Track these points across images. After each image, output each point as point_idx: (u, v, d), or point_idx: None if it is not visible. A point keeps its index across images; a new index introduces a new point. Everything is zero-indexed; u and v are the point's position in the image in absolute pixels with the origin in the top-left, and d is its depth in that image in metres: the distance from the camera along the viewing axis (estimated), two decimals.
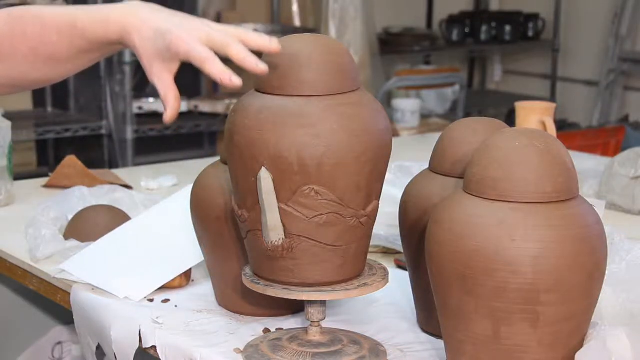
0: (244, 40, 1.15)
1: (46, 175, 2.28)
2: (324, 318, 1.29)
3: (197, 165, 1.69)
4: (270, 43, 1.15)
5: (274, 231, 1.21)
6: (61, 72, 1.26)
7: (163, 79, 1.19)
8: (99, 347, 1.49)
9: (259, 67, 1.14)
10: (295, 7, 4.67)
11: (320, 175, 1.18)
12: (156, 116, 4.03)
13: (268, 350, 1.28)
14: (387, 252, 1.71)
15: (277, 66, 1.21)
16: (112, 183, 2.10)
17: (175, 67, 1.18)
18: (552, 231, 1.11)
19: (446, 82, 4.91)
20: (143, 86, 4.29)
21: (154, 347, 1.37)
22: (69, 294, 1.55)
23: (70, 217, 1.79)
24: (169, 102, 1.19)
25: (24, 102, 4.05)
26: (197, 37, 1.14)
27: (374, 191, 1.24)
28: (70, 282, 1.56)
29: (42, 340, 2.03)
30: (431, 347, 1.33)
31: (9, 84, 1.26)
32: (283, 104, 1.20)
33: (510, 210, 1.12)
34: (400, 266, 1.62)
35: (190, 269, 1.55)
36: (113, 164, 3.84)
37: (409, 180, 1.40)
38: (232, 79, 1.14)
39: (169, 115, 1.19)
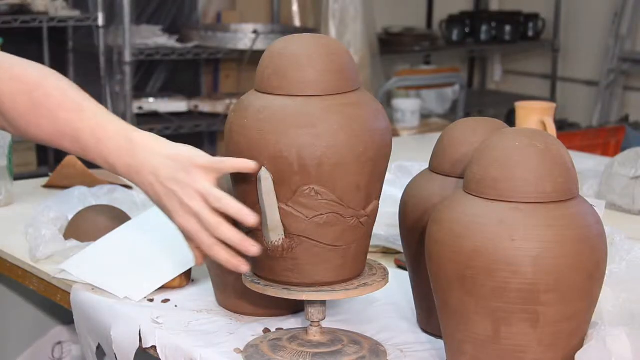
0: (224, 210, 1.18)
1: (46, 175, 2.28)
2: (324, 318, 1.29)
3: None
4: (245, 216, 1.18)
5: (274, 231, 1.21)
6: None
7: (186, 222, 1.22)
8: (99, 347, 1.49)
9: (249, 249, 1.19)
10: (295, 7, 4.67)
11: (320, 175, 1.18)
12: (156, 116, 4.04)
13: (268, 350, 1.28)
14: (387, 252, 1.71)
15: (277, 66, 1.21)
16: (112, 183, 2.10)
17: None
18: (552, 231, 1.11)
19: (446, 82, 4.91)
20: (143, 86, 4.29)
21: (154, 347, 1.37)
22: (69, 294, 1.55)
23: (70, 217, 1.79)
24: (193, 252, 1.24)
25: None
26: (194, 222, 1.19)
27: (374, 191, 1.24)
28: (70, 282, 1.56)
29: (42, 340, 2.03)
30: (431, 347, 1.33)
31: (11, 132, 1.32)
32: (283, 104, 1.20)
33: (510, 210, 1.12)
34: (400, 266, 1.62)
35: (190, 269, 1.55)
36: None
37: (409, 180, 1.40)
38: (240, 268, 1.20)
39: (197, 262, 1.25)
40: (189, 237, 1.22)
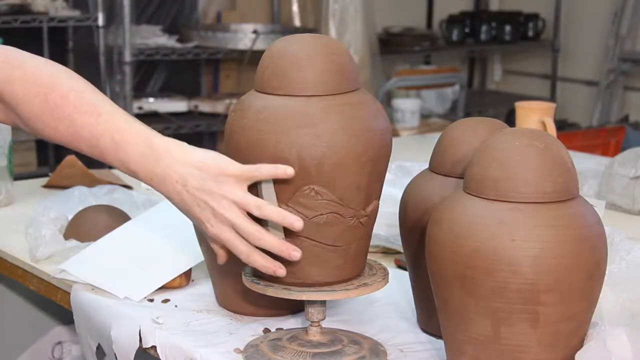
0: (267, 217, 1.17)
1: (46, 175, 2.28)
2: (324, 318, 1.29)
3: None
4: (291, 222, 1.17)
5: (274, 231, 1.21)
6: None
7: (209, 240, 1.23)
8: (99, 347, 1.49)
9: (291, 255, 1.18)
10: (295, 7, 4.67)
11: (320, 175, 1.18)
12: (156, 116, 4.04)
13: (268, 350, 1.28)
14: (387, 252, 1.71)
15: (277, 66, 1.21)
16: (112, 183, 2.10)
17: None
18: (552, 231, 1.11)
19: (446, 82, 4.91)
20: (143, 86, 4.29)
21: (154, 347, 1.37)
22: (69, 294, 1.55)
23: (70, 217, 1.79)
24: (217, 252, 1.24)
25: None
26: (230, 232, 1.17)
27: (374, 191, 1.24)
28: (70, 282, 1.56)
29: (42, 340, 2.03)
30: (431, 347, 1.33)
31: (14, 125, 1.30)
32: (283, 104, 1.20)
33: (510, 210, 1.12)
34: (400, 266, 1.62)
35: (190, 269, 1.55)
36: None
37: (409, 180, 1.40)
38: (276, 272, 1.19)
39: (219, 261, 1.25)
40: (215, 241, 1.21)
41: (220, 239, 1.19)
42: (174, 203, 1.21)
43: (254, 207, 1.16)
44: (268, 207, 1.16)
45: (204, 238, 1.44)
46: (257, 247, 1.18)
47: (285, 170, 1.16)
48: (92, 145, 1.22)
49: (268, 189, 1.19)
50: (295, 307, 1.42)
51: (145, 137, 1.20)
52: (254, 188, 1.20)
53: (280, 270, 1.18)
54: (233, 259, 1.41)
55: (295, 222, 1.16)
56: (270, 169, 1.17)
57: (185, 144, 1.21)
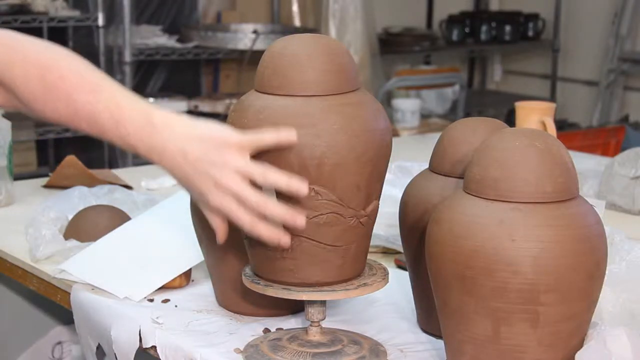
0: (276, 184, 1.15)
1: (46, 175, 2.28)
2: (324, 318, 1.29)
3: None
4: (297, 188, 1.15)
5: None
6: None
7: (208, 213, 1.20)
8: (99, 347, 1.49)
9: (297, 222, 1.15)
10: (295, 7, 4.67)
11: (320, 175, 1.18)
12: None
13: (268, 350, 1.28)
14: (387, 252, 1.71)
15: (277, 66, 1.21)
16: (112, 183, 2.10)
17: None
18: (552, 231, 1.11)
19: (446, 82, 4.91)
20: (143, 86, 4.29)
21: (154, 347, 1.37)
22: (69, 294, 1.55)
23: (70, 217, 1.79)
24: (216, 228, 1.21)
25: None
26: (232, 201, 1.15)
27: (374, 191, 1.24)
28: (70, 282, 1.56)
29: (42, 340, 2.03)
30: (431, 347, 1.33)
31: (14, 107, 1.29)
32: (283, 104, 1.20)
33: (510, 210, 1.12)
34: (400, 266, 1.62)
35: (190, 269, 1.55)
36: (113, 164, 3.84)
37: (409, 180, 1.40)
38: (281, 242, 1.17)
39: (219, 238, 1.21)
40: (217, 214, 1.18)
41: (222, 210, 1.16)
42: (174, 177, 1.18)
43: (258, 174, 1.14)
44: (272, 174, 1.14)
45: (204, 238, 1.44)
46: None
47: (288, 136, 1.15)
48: (92, 123, 1.20)
49: (268, 189, 1.19)
50: (295, 307, 1.42)
51: (145, 112, 1.18)
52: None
53: (284, 239, 1.16)
54: (231, 259, 1.41)
55: (301, 188, 1.14)
56: (273, 135, 1.15)
57: (185, 117, 1.19)
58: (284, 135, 1.15)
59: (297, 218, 1.15)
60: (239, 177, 1.14)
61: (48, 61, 1.23)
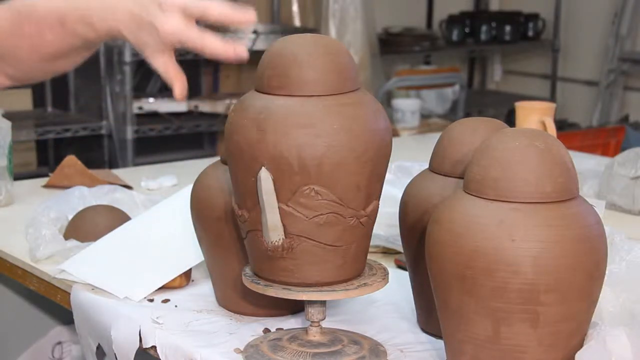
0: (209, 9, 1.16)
1: (46, 175, 2.28)
2: (324, 318, 1.29)
3: (197, 165, 1.69)
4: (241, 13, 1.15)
5: (274, 231, 1.21)
6: (62, 66, 1.28)
7: (160, 60, 1.19)
8: (99, 347, 1.49)
9: (241, 49, 1.15)
10: (295, 7, 4.67)
11: (320, 175, 1.18)
12: (156, 116, 4.04)
13: (268, 351, 1.28)
14: (387, 252, 1.71)
15: (277, 66, 1.21)
16: (112, 183, 2.10)
17: (172, 47, 1.18)
18: (552, 231, 1.11)
19: (446, 82, 4.91)
20: (143, 86, 4.29)
21: (154, 347, 1.37)
22: (69, 294, 1.55)
23: (70, 217, 1.79)
24: (173, 80, 1.20)
25: (24, 102, 4.05)
26: (179, 20, 1.14)
27: (374, 191, 1.24)
28: (70, 282, 1.56)
29: (42, 340, 2.03)
30: (431, 347, 1.33)
31: (24, 79, 1.29)
32: (283, 104, 1.19)
33: (510, 210, 1.12)
34: (400, 266, 1.62)
35: (190, 269, 1.55)
36: (113, 164, 3.84)
37: (409, 180, 1.40)
38: (236, 50, 1.15)
39: (177, 92, 1.20)
40: (169, 56, 1.18)
41: (171, 31, 1.15)
42: (127, 29, 1.18)
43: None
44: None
45: (204, 238, 1.44)
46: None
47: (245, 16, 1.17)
48: (53, 24, 1.21)
49: (268, 189, 1.19)
50: (295, 307, 1.43)
51: None
52: (255, 188, 1.21)
53: (240, 48, 1.15)
54: (231, 259, 1.41)
55: (245, 14, 1.15)
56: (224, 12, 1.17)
57: None
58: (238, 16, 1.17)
59: (239, 47, 1.14)
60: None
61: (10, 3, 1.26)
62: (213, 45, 1.15)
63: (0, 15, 1.24)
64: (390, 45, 5.01)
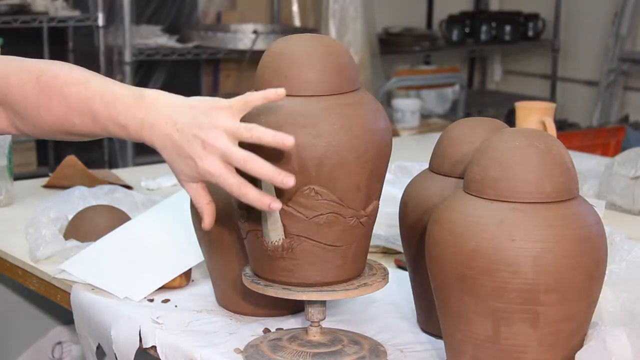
0: (259, 138, 1.13)
1: (46, 175, 2.28)
2: (324, 318, 1.29)
3: None
4: (283, 140, 1.13)
5: (274, 231, 1.21)
6: (73, 139, 1.28)
7: (193, 187, 1.19)
8: (99, 347, 1.49)
9: (284, 181, 1.12)
10: (295, 7, 4.67)
11: (320, 175, 1.18)
12: None
13: (268, 351, 1.28)
14: (387, 252, 1.71)
15: (277, 66, 1.21)
16: (112, 183, 2.10)
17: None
18: (552, 231, 1.11)
19: (446, 82, 4.91)
20: (143, 86, 4.29)
21: (154, 347, 1.37)
22: (69, 294, 1.55)
23: (70, 217, 1.79)
24: (202, 209, 1.19)
25: None
26: (219, 164, 1.13)
27: (374, 191, 1.24)
28: (70, 282, 1.56)
29: (42, 340, 2.03)
30: (431, 347, 1.33)
31: (35, 135, 1.31)
32: (283, 104, 1.19)
33: (510, 210, 1.12)
34: (400, 266, 1.62)
35: (190, 269, 1.55)
36: (113, 164, 3.84)
37: (409, 180, 1.40)
38: (271, 206, 1.14)
39: (206, 223, 1.19)
40: (203, 190, 1.17)
41: (210, 173, 1.14)
42: (165, 150, 1.17)
43: (245, 129, 1.13)
44: (260, 128, 1.13)
45: (204, 238, 1.44)
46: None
47: (277, 92, 1.14)
48: (83, 112, 1.21)
49: (268, 189, 1.19)
50: (295, 307, 1.43)
51: (135, 91, 1.19)
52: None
53: (275, 204, 1.14)
54: (231, 259, 1.41)
55: (286, 140, 1.12)
56: (261, 94, 1.15)
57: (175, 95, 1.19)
58: (272, 92, 1.15)
59: (285, 177, 1.12)
60: (226, 135, 1.13)
61: (41, 65, 1.25)
62: (250, 197, 1.14)
63: (27, 83, 1.24)
64: (390, 45, 5.01)
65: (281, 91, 1.14)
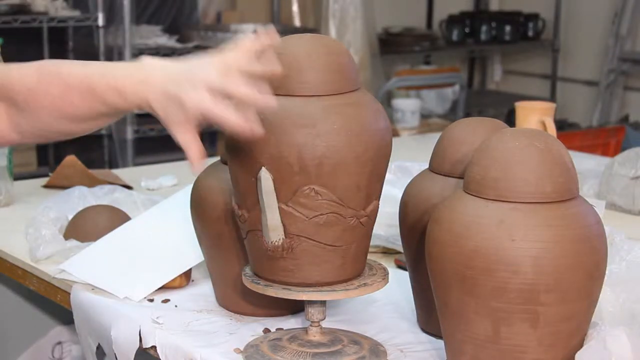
0: (250, 73, 1.12)
1: (46, 175, 2.28)
2: (324, 318, 1.29)
3: None
4: (268, 40, 1.13)
5: (274, 231, 1.21)
6: (82, 128, 1.27)
7: (184, 136, 1.17)
8: (99, 347, 1.49)
9: (271, 101, 1.12)
10: (295, 7, 4.67)
11: (320, 175, 1.18)
12: None
13: (268, 350, 1.28)
14: (387, 252, 1.71)
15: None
16: (112, 183, 2.10)
17: (196, 123, 1.17)
18: (552, 231, 1.11)
19: (446, 82, 4.91)
20: None
21: (154, 347, 1.37)
22: (69, 294, 1.55)
23: (70, 217, 1.79)
24: (192, 158, 1.17)
25: None
26: (205, 95, 1.12)
27: (374, 191, 1.24)
28: (70, 282, 1.56)
29: (42, 340, 2.03)
30: (431, 347, 1.33)
31: (34, 135, 1.30)
32: (283, 104, 1.19)
33: (510, 210, 1.12)
34: (400, 266, 1.62)
35: (190, 269, 1.55)
36: (113, 164, 3.84)
37: (409, 180, 1.40)
38: (252, 129, 1.12)
39: (195, 169, 1.18)
40: (189, 127, 1.16)
41: (196, 104, 1.12)
42: (156, 103, 1.16)
43: (231, 83, 1.12)
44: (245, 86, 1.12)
45: (204, 238, 1.44)
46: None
47: (267, 31, 1.14)
48: (82, 88, 1.21)
49: (268, 189, 1.19)
50: (295, 307, 1.43)
51: (134, 61, 1.20)
52: (256, 188, 1.20)
53: (257, 127, 1.12)
54: (231, 259, 1.41)
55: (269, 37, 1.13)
56: (250, 40, 1.15)
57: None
58: (262, 36, 1.14)
59: (269, 99, 1.11)
60: (215, 71, 1.13)
61: (43, 61, 1.27)
62: (232, 123, 1.12)
63: (27, 72, 1.25)
64: (390, 45, 5.01)
65: (270, 28, 1.14)
